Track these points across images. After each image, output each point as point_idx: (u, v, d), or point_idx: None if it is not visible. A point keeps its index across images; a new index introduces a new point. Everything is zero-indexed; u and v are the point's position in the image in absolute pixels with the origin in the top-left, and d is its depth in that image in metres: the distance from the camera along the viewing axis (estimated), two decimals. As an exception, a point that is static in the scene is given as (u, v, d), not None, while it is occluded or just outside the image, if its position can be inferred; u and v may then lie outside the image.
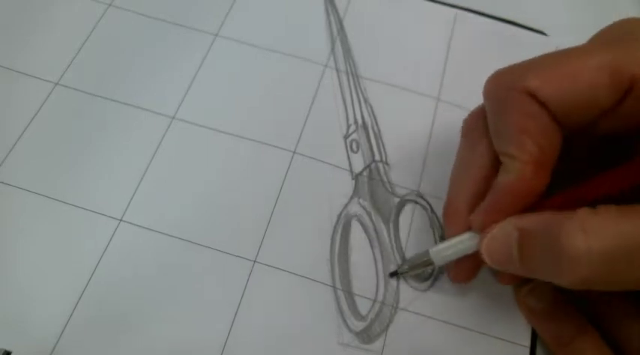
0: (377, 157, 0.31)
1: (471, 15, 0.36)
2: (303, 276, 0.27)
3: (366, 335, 0.26)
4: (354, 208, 0.29)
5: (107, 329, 0.26)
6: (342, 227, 0.29)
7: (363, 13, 0.36)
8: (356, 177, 0.30)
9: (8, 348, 0.25)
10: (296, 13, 0.35)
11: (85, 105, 0.31)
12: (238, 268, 0.27)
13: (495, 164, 0.23)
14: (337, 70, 0.33)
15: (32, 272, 0.26)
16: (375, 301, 0.27)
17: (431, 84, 0.33)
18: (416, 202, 0.30)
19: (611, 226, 0.19)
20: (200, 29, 0.34)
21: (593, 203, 0.20)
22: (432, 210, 0.30)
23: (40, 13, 0.34)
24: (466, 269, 0.26)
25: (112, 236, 0.28)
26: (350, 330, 0.26)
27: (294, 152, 0.30)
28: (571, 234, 0.19)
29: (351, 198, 0.30)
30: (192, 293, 0.27)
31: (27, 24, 0.33)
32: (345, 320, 0.27)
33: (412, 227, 0.29)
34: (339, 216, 0.29)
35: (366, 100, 0.33)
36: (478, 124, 0.25)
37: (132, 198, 0.29)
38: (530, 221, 0.22)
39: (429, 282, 0.28)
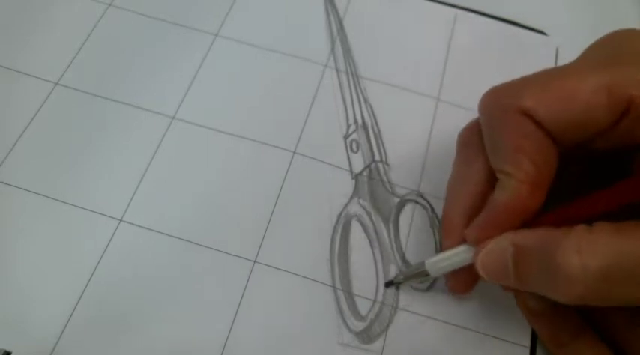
0: (377, 157, 0.31)
1: (472, 15, 0.36)
2: (303, 276, 0.27)
3: (366, 335, 0.26)
4: (354, 208, 0.29)
5: (107, 329, 0.26)
6: (342, 227, 0.29)
7: (363, 13, 0.36)
8: (356, 177, 0.30)
9: (8, 348, 0.25)
10: (296, 13, 0.35)
11: (85, 105, 0.31)
12: (238, 268, 0.27)
13: (491, 179, 0.23)
14: (337, 70, 0.33)
15: (32, 272, 0.26)
16: (375, 301, 0.27)
17: (431, 84, 0.33)
18: (416, 202, 0.30)
19: (607, 244, 0.19)
20: (200, 29, 0.34)
21: (589, 220, 0.20)
22: (433, 210, 0.30)
23: (40, 13, 0.34)
24: (463, 282, 0.26)
25: (112, 236, 0.28)
26: (350, 330, 0.26)
27: (294, 152, 0.30)
28: (567, 253, 0.19)
29: (351, 198, 0.30)
30: (192, 293, 0.27)
31: (27, 24, 0.33)
32: (345, 320, 0.27)
33: (412, 227, 0.29)
34: (339, 216, 0.29)
35: (366, 100, 0.33)
36: (473, 139, 0.25)
37: (132, 198, 0.29)
38: (526, 237, 0.22)
39: (429, 282, 0.28)
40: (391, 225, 0.29)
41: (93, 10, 0.34)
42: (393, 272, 0.28)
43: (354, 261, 0.28)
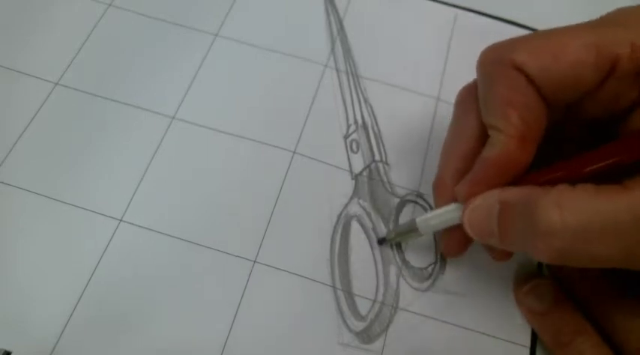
0: (377, 157, 0.31)
1: (471, 15, 0.36)
2: (303, 276, 0.27)
3: (366, 335, 0.26)
4: (354, 208, 0.29)
5: (107, 329, 0.26)
6: (342, 227, 0.29)
7: (363, 13, 0.36)
8: (356, 178, 0.30)
9: (8, 348, 0.25)
10: (296, 13, 0.35)
11: (85, 105, 0.31)
12: (238, 268, 0.27)
13: (483, 136, 0.24)
14: (337, 70, 0.33)
15: (32, 272, 0.26)
16: (374, 301, 0.27)
17: (431, 84, 0.33)
18: (416, 202, 0.30)
19: (587, 202, 0.19)
20: (200, 29, 0.34)
21: (574, 182, 0.20)
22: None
23: (40, 13, 0.34)
24: (456, 242, 0.26)
25: (112, 236, 0.28)
26: (350, 330, 0.26)
27: (294, 152, 0.30)
28: (547, 207, 0.20)
29: (351, 198, 0.30)
30: (192, 293, 0.27)
31: (27, 24, 0.33)
32: (345, 321, 0.27)
33: (412, 227, 0.29)
34: (339, 216, 0.29)
35: (366, 100, 0.33)
36: (470, 97, 0.25)
37: (132, 198, 0.29)
38: (512, 193, 0.22)
39: (429, 282, 0.28)
40: (391, 226, 0.29)
41: (93, 10, 0.34)
42: (393, 272, 0.28)
43: (354, 260, 0.28)
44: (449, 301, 0.28)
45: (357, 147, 0.31)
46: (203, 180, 0.29)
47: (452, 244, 0.26)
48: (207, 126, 0.31)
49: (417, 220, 0.26)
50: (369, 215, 0.29)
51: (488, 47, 0.24)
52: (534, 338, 0.27)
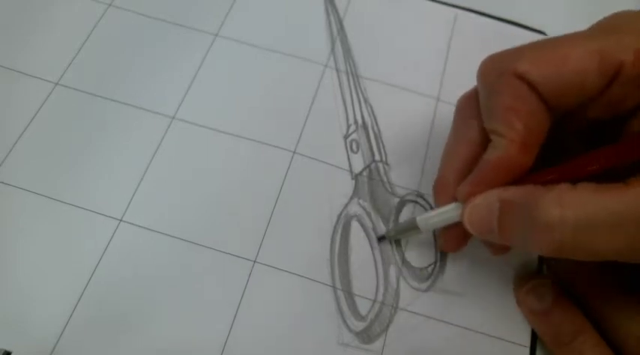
0: (377, 157, 0.31)
1: (471, 15, 0.36)
2: (303, 276, 0.27)
3: (366, 335, 0.26)
4: (354, 208, 0.29)
5: (107, 329, 0.26)
6: (342, 227, 0.29)
7: (363, 13, 0.36)
8: (356, 178, 0.30)
9: (8, 348, 0.25)
10: (296, 13, 0.35)
11: (85, 105, 0.31)
12: (238, 268, 0.27)
13: (484, 142, 0.24)
14: (337, 70, 0.33)
15: (32, 272, 0.26)
16: (374, 301, 0.27)
17: (431, 84, 0.33)
18: (416, 202, 0.30)
19: (586, 198, 0.20)
20: (200, 29, 0.34)
21: (575, 181, 0.21)
22: (432, 210, 0.30)
23: (40, 13, 0.34)
24: (454, 238, 0.27)
25: (112, 236, 0.28)
26: (350, 330, 0.26)
27: (294, 152, 0.30)
28: (548, 204, 0.20)
29: (351, 198, 0.30)
30: (192, 293, 0.27)
31: (27, 24, 0.33)
32: (345, 320, 0.27)
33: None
34: (339, 216, 0.29)
35: (366, 100, 0.33)
36: (470, 104, 0.26)
37: (132, 198, 0.29)
38: (513, 192, 0.22)
39: (429, 282, 0.28)
40: (391, 225, 0.29)
41: (93, 10, 0.34)
42: (393, 272, 0.28)
43: (354, 260, 0.28)
44: (449, 301, 0.28)
45: (357, 147, 0.31)
46: (203, 180, 0.29)
47: (450, 240, 0.27)
48: (207, 126, 0.31)
49: (418, 219, 0.26)
50: (369, 215, 0.29)
51: (488, 57, 0.24)
52: (534, 338, 0.27)
